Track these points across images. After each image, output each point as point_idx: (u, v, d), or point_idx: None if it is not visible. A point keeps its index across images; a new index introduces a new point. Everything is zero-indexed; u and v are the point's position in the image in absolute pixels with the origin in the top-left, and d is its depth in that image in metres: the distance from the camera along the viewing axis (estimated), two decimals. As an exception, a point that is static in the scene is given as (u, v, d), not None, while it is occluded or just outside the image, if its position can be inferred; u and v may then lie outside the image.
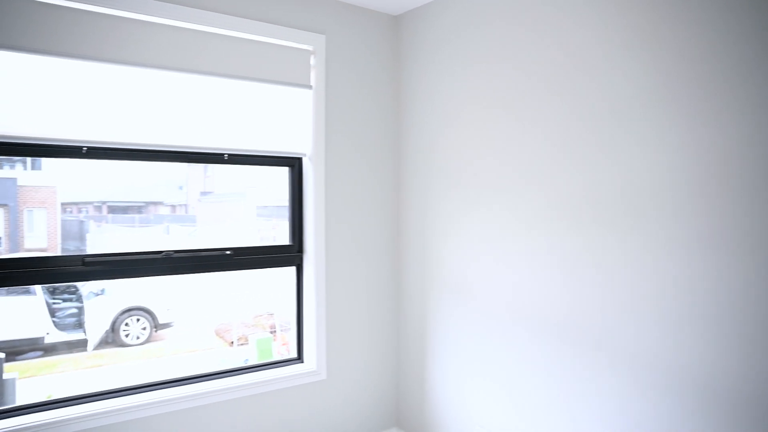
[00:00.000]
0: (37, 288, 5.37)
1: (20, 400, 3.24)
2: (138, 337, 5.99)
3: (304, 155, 3.13)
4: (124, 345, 5.85)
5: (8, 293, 5.47)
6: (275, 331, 4.82)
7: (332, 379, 3.20)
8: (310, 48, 3.07)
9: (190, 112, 2.79)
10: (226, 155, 2.93)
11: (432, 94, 3.16)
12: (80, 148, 2.55)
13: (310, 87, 3.08)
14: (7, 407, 2.50)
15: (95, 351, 5.59)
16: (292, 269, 3.21)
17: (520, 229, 2.63)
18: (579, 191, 2.35)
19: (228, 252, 2.97)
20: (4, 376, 4.15)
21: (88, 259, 2.61)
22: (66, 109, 2.48)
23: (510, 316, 2.68)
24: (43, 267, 2.58)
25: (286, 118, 3.06)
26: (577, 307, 2.36)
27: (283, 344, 4.68)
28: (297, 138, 3.09)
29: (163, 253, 2.78)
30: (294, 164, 3.16)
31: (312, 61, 3.09)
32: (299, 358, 3.22)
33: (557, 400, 2.46)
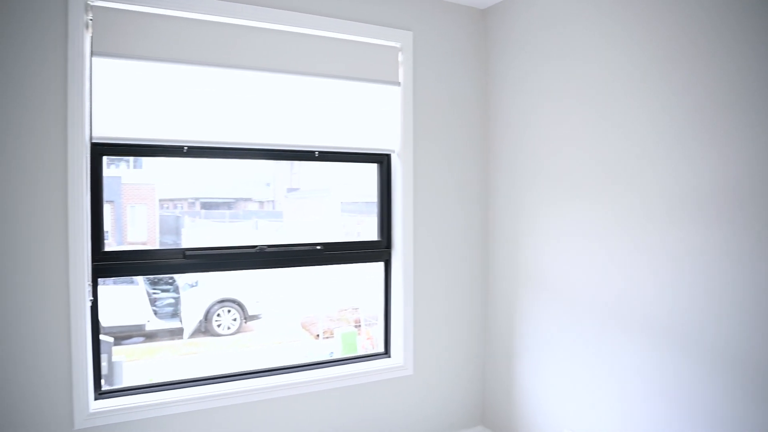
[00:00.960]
0: (139, 278, 5.74)
1: (126, 381, 3.49)
2: (229, 328, 6.29)
3: (393, 152, 3.17)
4: (216, 334, 6.16)
5: (114, 282, 5.88)
6: (360, 326, 4.91)
7: (419, 375, 3.22)
8: (397, 45, 3.10)
9: (283, 111, 2.89)
10: (316, 152, 3.02)
11: (520, 89, 3.11)
12: (182, 147, 2.71)
13: (398, 84, 3.11)
14: (115, 387, 2.69)
15: (190, 339, 5.92)
16: (380, 265, 3.26)
17: (614, 226, 2.54)
18: (682, 186, 2.24)
19: (318, 247, 3.05)
20: (113, 359, 4.48)
21: (188, 253, 2.76)
22: (169, 112, 2.64)
23: (605, 316, 2.60)
24: (148, 259, 2.75)
25: (375, 115, 3.11)
26: (680, 309, 2.26)
27: (368, 338, 4.77)
28: (386, 134, 3.14)
29: (257, 248, 2.90)
30: (383, 161, 3.20)
31: (400, 57, 3.12)
32: (386, 352, 3.27)
33: (656, 406, 2.36)
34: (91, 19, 2.45)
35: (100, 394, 2.59)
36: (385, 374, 3.12)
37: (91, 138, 2.49)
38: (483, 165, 3.37)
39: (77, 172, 2.42)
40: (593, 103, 2.64)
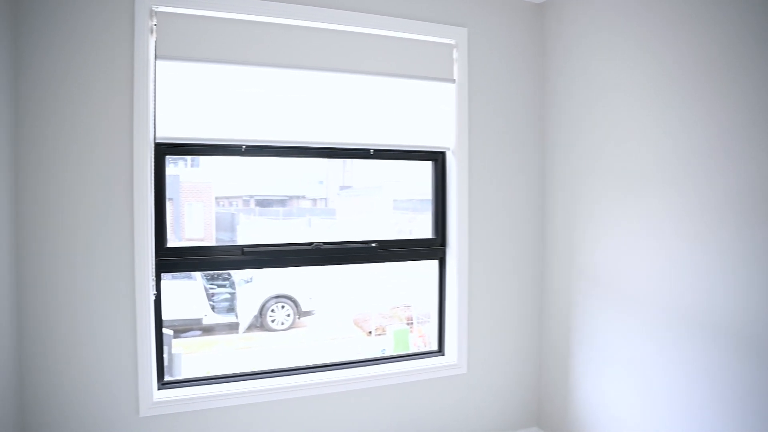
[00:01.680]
0: (197, 274, 5.94)
1: (185, 373, 3.61)
2: (282, 323, 6.42)
3: (448, 149, 3.18)
4: (270, 329, 6.30)
5: (173, 277, 6.09)
6: (412, 323, 4.93)
7: (473, 374, 3.22)
8: (452, 42, 3.10)
9: (338, 110, 2.94)
10: (372, 150, 3.05)
11: (578, 84, 3.05)
12: (240, 146, 2.79)
13: (453, 81, 3.11)
14: (176, 379, 2.81)
15: (245, 333, 6.08)
16: (435, 262, 3.27)
17: (677, 224, 2.47)
18: (751, 184, 2.16)
19: (373, 244, 3.09)
20: (173, 351, 4.66)
21: (246, 249, 2.84)
22: (228, 112, 2.74)
23: (667, 316, 2.53)
24: (208, 255, 2.85)
25: (429, 113, 3.12)
26: (749, 311, 2.17)
27: (420, 336, 4.78)
28: (440, 132, 3.14)
29: (313, 245, 2.96)
30: (437, 158, 3.21)
31: (455, 54, 3.12)
32: (440, 350, 3.28)
33: (723, 411, 2.28)
34: (155, 24, 2.56)
35: (162, 384, 2.70)
36: (439, 372, 3.14)
37: (155, 138, 2.60)
38: (539, 162, 3.33)
39: (142, 171, 2.53)
40: (656, 100, 2.57)
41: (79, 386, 2.49)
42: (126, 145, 2.52)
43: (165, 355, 4.70)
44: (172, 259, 2.72)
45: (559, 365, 3.23)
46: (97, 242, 2.49)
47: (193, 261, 2.82)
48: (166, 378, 2.77)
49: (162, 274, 2.72)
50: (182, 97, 2.66)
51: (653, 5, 2.57)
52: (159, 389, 2.68)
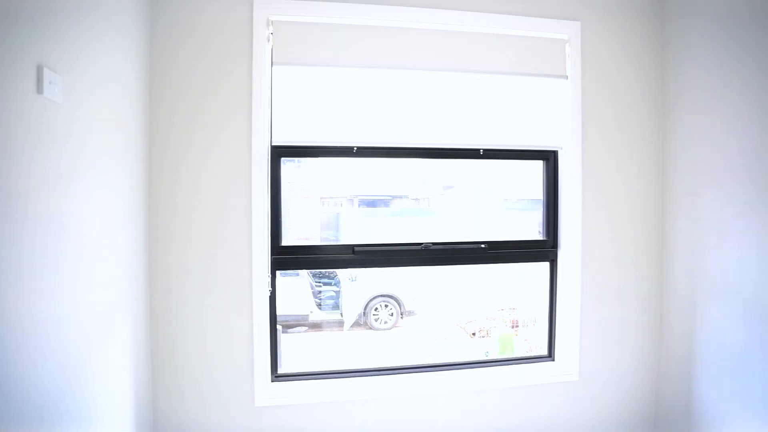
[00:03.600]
0: (303, 270, 6.22)
1: (289, 367, 3.79)
2: (385, 322, 6.58)
3: (560, 148, 3.14)
4: (373, 328, 6.47)
5: (282, 275, 6.42)
6: (517, 326, 4.90)
7: (584, 381, 3.16)
8: (564, 37, 3.06)
9: (448, 110, 2.99)
10: (481, 150, 3.08)
11: (702, 81, 2.90)
12: (351, 148, 2.91)
13: (565, 77, 3.07)
14: (289, 372, 2.98)
15: (349, 331, 6.29)
16: (545, 265, 3.24)
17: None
18: None
19: (483, 246, 3.11)
20: (281, 346, 4.91)
21: (357, 249, 2.96)
22: (340, 114, 2.88)
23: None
24: (320, 254, 3.00)
25: (540, 111, 3.10)
26: None
27: (525, 340, 4.74)
28: (552, 130, 3.11)
29: (423, 245, 3.02)
30: (549, 157, 3.18)
31: (567, 49, 3.07)
32: (550, 356, 3.24)
33: None
34: (272, 33, 2.73)
35: (276, 377, 2.88)
36: (549, 378, 3.11)
37: (271, 142, 2.77)
38: (658, 160, 3.21)
39: (260, 173, 2.72)
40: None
41: (203, 378, 2.73)
42: (245, 149, 2.72)
43: (278, 349, 4.96)
44: (286, 257, 2.89)
45: (679, 376, 3.09)
46: (219, 242, 2.71)
47: (306, 259, 2.98)
48: (280, 371, 2.95)
49: (277, 272, 2.89)
50: (297, 101, 2.82)
51: None
52: (272, 381, 2.85)
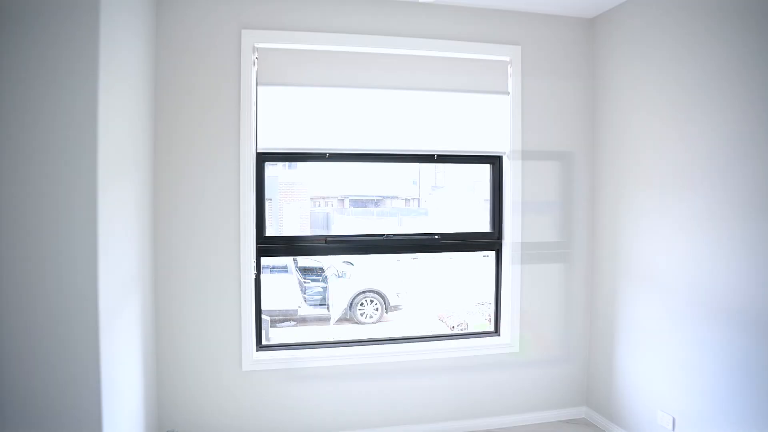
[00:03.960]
0: (292, 267, 6.67)
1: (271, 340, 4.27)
2: (371, 317, 7.01)
3: (503, 153, 3.68)
4: (358, 322, 6.90)
5: (271, 271, 6.83)
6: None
7: (524, 353, 3.70)
8: (507, 59, 3.61)
9: (407, 122, 3.55)
10: (435, 155, 3.62)
11: (625, 93, 3.43)
12: (324, 153, 3.46)
13: (507, 93, 3.62)
14: (271, 343, 3.52)
15: (335, 325, 6.72)
16: (492, 253, 3.78)
17: (712, 222, 2.81)
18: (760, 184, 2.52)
19: (436, 236, 3.65)
20: (270, 337, 5.37)
21: (329, 239, 3.50)
22: (315, 126, 3.43)
23: (697, 303, 2.89)
24: (297, 243, 3.53)
25: (486, 122, 3.65)
26: (760, 297, 2.53)
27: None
28: (496, 139, 3.66)
29: (384, 236, 3.57)
30: (494, 162, 3.73)
31: (509, 70, 3.62)
32: (496, 331, 3.78)
33: (737, 384, 2.64)
34: (257, 58, 3.28)
35: (260, 347, 3.42)
36: (494, 350, 3.65)
37: (256, 149, 3.32)
38: (589, 165, 3.74)
39: (247, 175, 3.27)
40: (687, 105, 2.95)
41: (200, 347, 3.27)
42: (234, 155, 3.26)
43: (263, 332, 5.41)
44: (269, 246, 3.43)
45: (604, 349, 3.63)
46: (213, 232, 3.25)
47: (286, 247, 3.52)
48: (264, 342, 3.48)
49: (262, 259, 3.43)
50: (278, 114, 3.37)
51: (690, 20, 2.93)
52: (257, 351, 3.39)
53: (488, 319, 6.78)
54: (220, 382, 3.29)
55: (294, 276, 6.85)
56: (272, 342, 3.65)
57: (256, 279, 3.38)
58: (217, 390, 3.29)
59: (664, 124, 3.13)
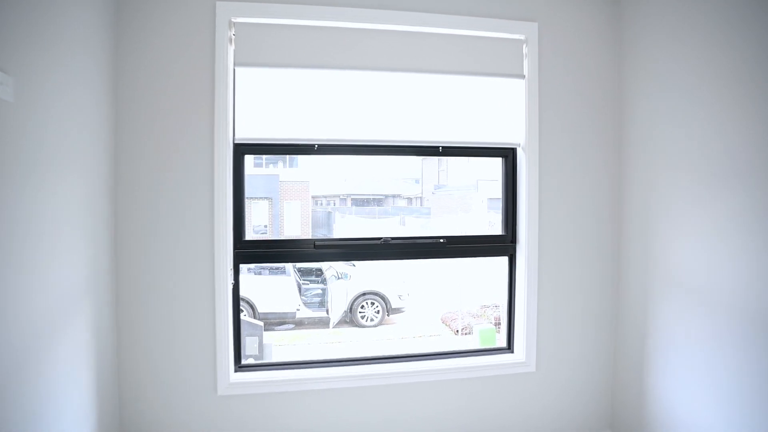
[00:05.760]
0: (290, 269, 6.27)
1: (254, 359, 3.83)
2: (372, 320, 6.60)
3: (518, 145, 3.17)
4: (359, 325, 6.50)
5: (270, 273, 6.48)
6: (500, 323, 4.93)
7: (542, 372, 3.18)
8: (521, 37, 3.09)
9: (408, 109, 3.04)
10: (440, 148, 3.11)
11: (657, 80, 2.91)
12: (313, 145, 2.96)
13: (522, 77, 3.10)
14: (252, 363, 3.03)
15: (335, 329, 6.33)
16: (504, 259, 3.27)
17: (760, 223, 2.32)
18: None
19: (441, 240, 3.14)
20: (264, 342, 4.96)
21: (318, 243, 3.00)
22: (302, 113, 2.92)
23: (747, 320, 2.37)
24: (283, 248, 3.03)
25: (499, 109, 3.14)
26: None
27: (505, 336, 4.72)
28: (510, 128, 3.15)
29: (382, 240, 3.06)
30: (507, 155, 3.21)
31: (524, 50, 3.10)
32: (509, 347, 3.27)
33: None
34: (234, 35, 2.78)
35: (239, 367, 2.92)
36: (507, 369, 3.13)
37: (234, 139, 2.83)
38: (614, 159, 3.23)
39: (222, 169, 2.77)
40: (727, 90, 2.44)
41: (168, 366, 2.77)
42: (207, 146, 2.77)
43: (255, 345, 4.97)
44: (249, 251, 2.93)
45: (634, 367, 3.10)
46: (183, 235, 2.75)
47: (269, 253, 3.02)
48: (244, 362, 2.99)
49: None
50: (260, 100, 2.87)
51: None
52: (236, 371, 2.90)
53: (494, 322, 6.34)
54: (192, 410, 2.79)
55: (292, 277, 6.45)
56: (257, 361, 3.17)
57: (234, 289, 2.88)
58: (190, 419, 2.80)
59: (701, 110, 2.61)
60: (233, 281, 2.86)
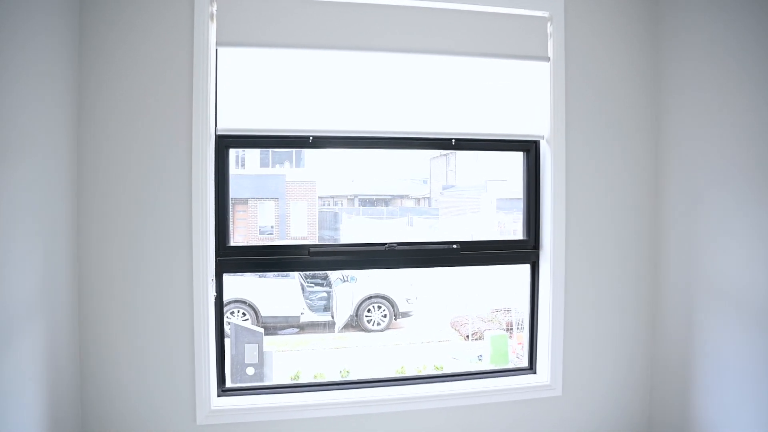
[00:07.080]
0: (294, 272, 5.89)
1: (276, 371, 3.43)
2: (378, 324, 6.19)
3: (542, 138, 2.72)
4: (365, 330, 6.10)
5: (274, 275, 6.10)
6: (512, 329, 4.53)
7: (568, 397, 2.72)
8: (545, 14, 2.63)
9: (415, 96, 2.61)
10: (453, 141, 2.67)
11: (703, 64, 2.47)
12: (307, 137, 2.54)
13: (547, 59, 2.65)
14: (239, 386, 2.61)
15: (340, 333, 5.93)
16: (526, 267, 2.82)
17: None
18: None
19: (455, 246, 2.70)
20: (264, 349, 4.56)
21: (313, 250, 2.57)
22: (295, 101, 2.51)
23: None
24: (273, 255, 2.63)
25: (520, 97, 2.70)
26: None
27: (519, 343, 4.33)
28: (533, 118, 2.70)
29: (387, 246, 2.62)
30: (529, 148, 2.76)
31: (549, 28, 2.65)
32: (531, 368, 2.82)
33: None
34: (216, 10, 2.36)
35: (223, 391, 2.50)
36: (529, 393, 2.69)
37: (216, 130, 2.40)
38: (652, 154, 2.78)
39: (201, 165, 2.34)
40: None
41: (139, 391, 2.35)
42: (185, 138, 2.34)
43: (255, 353, 4.54)
44: (234, 259, 2.50)
45: (675, 390, 2.66)
46: (155, 242, 2.33)
47: (257, 261, 2.60)
48: (229, 385, 2.57)
49: (225, 274, 2.51)
50: (246, 86, 2.47)
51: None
52: (219, 396, 2.47)
53: (506, 327, 5.90)
54: (168, 441, 2.38)
55: (296, 280, 6.06)
56: (267, 373, 2.77)
57: (216, 301, 2.45)
58: (165, 453, 2.38)
59: (751, 102, 2.20)
60: (215, 293, 2.43)
